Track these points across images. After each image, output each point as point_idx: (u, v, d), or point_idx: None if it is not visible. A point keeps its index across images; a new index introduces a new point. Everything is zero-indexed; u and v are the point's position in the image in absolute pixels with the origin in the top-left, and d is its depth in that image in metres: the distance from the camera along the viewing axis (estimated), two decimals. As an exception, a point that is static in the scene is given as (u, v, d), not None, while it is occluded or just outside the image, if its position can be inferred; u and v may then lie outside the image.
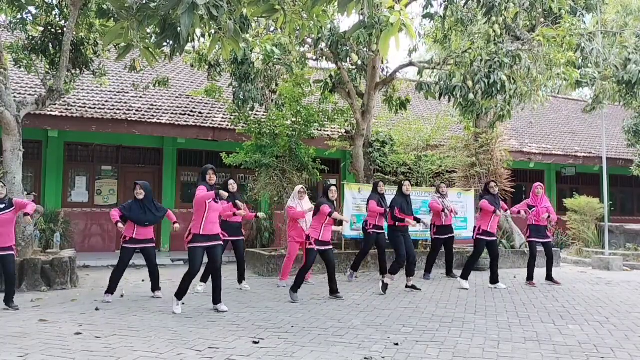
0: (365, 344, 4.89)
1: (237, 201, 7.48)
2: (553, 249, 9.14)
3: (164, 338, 5.02)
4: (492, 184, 8.56)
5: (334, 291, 7.23)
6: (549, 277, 8.78)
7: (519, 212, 8.90)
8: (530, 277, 8.63)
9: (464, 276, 8.26)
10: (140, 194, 7.06)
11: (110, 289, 6.96)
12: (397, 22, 3.84)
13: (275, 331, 5.33)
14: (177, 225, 7.18)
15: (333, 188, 7.39)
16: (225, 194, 6.45)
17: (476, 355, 4.58)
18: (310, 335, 5.17)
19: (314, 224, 7.16)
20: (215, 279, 6.30)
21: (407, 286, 7.96)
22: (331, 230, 7.23)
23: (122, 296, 7.23)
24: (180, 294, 6.21)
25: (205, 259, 6.47)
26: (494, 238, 8.39)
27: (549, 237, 8.82)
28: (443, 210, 9.14)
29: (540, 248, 8.71)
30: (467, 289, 8.00)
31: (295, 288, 6.97)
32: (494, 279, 8.30)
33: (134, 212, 7.05)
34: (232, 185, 7.91)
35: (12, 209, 6.42)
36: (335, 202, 7.34)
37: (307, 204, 8.22)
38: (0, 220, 6.30)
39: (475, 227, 8.57)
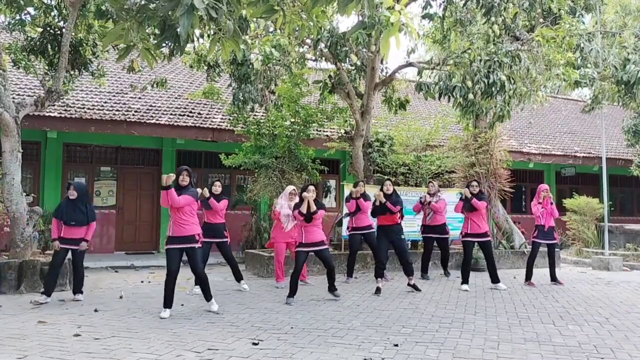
0: (365, 345, 4.88)
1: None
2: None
3: (162, 339, 5.00)
4: (474, 183, 8.40)
5: (331, 289, 7.22)
6: (554, 279, 8.74)
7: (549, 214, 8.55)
8: (528, 277, 8.62)
9: (463, 280, 8.17)
10: (73, 195, 6.90)
11: (46, 290, 6.78)
12: (397, 22, 3.84)
13: (274, 332, 5.32)
14: (84, 243, 6.94)
15: (311, 187, 7.12)
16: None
17: (476, 356, 4.57)
18: (310, 337, 5.16)
19: (296, 227, 7.13)
20: (200, 284, 6.34)
21: (408, 284, 7.94)
22: (317, 230, 7.02)
23: (120, 297, 7.22)
24: (165, 300, 6.02)
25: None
26: (484, 239, 8.22)
27: (554, 239, 8.70)
28: (422, 204, 9.23)
29: (543, 249, 8.72)
30: (467, 291, 7.97)
31: (290, 294, 6.91)
32: (493, 279, 8.25)
33: (62, 210, 6.94)
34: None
35: None
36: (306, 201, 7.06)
37: None
38: None
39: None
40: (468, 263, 8.26)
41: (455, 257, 10.83)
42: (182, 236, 6.05)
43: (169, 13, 3.63)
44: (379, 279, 7.75)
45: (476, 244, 8.42)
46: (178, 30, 3.63)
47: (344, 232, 10.36)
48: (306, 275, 8.52)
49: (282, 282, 8.18)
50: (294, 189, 8.39)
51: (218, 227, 7.75)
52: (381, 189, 7.99)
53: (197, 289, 7.55)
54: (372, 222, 8.87)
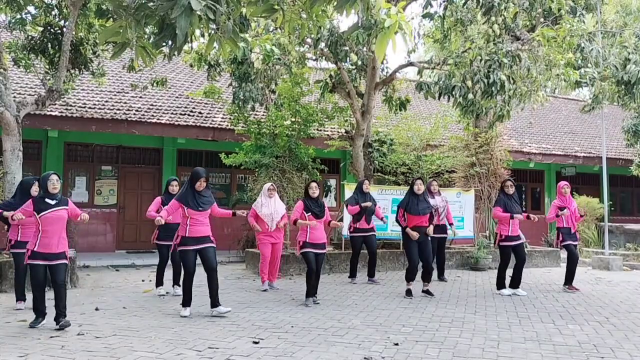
0: (365, 344, 4.89)
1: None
2: (552, 248, 8.99)
3: (163, 338, 5.02)
4: (508, 182, 7.86)
5: (312, 294, 6.80)
6: (569, 283, 8.18)
7: (557, 216, 7.98)
8: (570, 281, 8.09)
9: (513, 285, 7.68)
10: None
11: (18, 297, 6.45)
12: (393, 25, 3.83)
13: (275, 331, 5.33)
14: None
15: (313, 185, 7.01)
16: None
17: (476, 355, 4.58)
18: (310, 335, 5.17)
19: (301, 226, 6.87)
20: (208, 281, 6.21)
21: (422, 291, 7.51)
22: (322, 228, 6.89)
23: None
24: (184, 298, 6.05)
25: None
26: (521, 241, 7.75)
27: (576, 240, 8.23)
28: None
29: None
30: (510, 295, 7.52)
31: (307, 294, 6.75)
32: (514, 283, 7.73)
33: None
34: (173, 187, 7.48)
35: None
36: (318, 199, 7.00)
37: (278, 204, 8.04)
38: None
39: (495, 234, 7.98)
40: (505, 269, 7.76)
41: (455, 256, 10.85)
42: (198, 237, 6.06)
43: (168, 12, 3.62)
44: (410, 282, 7.40)
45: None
46: (177, 29, 3.63)
47: (345, 231, 10.38)
48: (274, 279, 8.24)
49: (265, 283, 8.07)
50: (272, 185, 8.23)
51: (173, 227, 7.25)
52: (411, 188, 7.49)
53: (179, 290, 7.31)
54: (373, 225, 8.86)
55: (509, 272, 7.85)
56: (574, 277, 8.12)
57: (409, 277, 7.44)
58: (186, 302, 6.03)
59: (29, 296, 6.35)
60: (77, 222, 5.81)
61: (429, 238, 7.51)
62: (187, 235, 6.03)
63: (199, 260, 6.07)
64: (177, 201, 6.11)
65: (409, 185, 7.81)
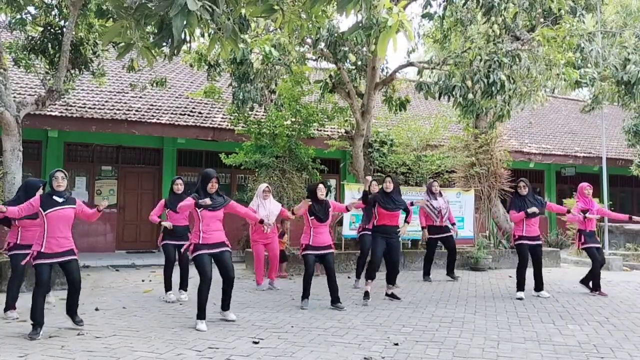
0: (365, 344, 4.89)
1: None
2: (552, 248, 8.96)
3: (163, 338, 5.02)
4: (522, 183, 7.52)
5: (334, 301, 6.54)
6: (597, 287, 7.77)
7: (584, 218, 7.70)
8: (597, 286, 7.68)
9: (519, 288, 7.46)
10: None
11: (8, 304, 5.96)
12: (395, 24, 3.84)
13: (275, 331, 5.33)
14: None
15: (321, 186, 6.73)
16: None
17: (476, 355, 4.58)
18: (310, 335, 5.17)
19: (305, 228, 6.68)
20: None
21: (386, 294, 7.18)
22: (326, 232, 6.69)
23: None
24: (200, 310, 5.50)
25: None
26: (538, 242, 7.48)
27: (599, 242, 7.96)
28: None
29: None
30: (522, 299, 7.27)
31: (303, 297, 6.55)
32: (538, 286, 7.59)
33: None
34: (178, 186, 7.22)
35: None
36: (324, 202, 6.72)
37: (273, 205, 8.00)
38: None
39: (512, 235, 7.80)
40: (523, 269, 7.49)
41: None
42: (212, 243, 5.62)
43: (167, 12, 3.63)
44: (369, 281, 6.93)
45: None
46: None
47: (345, 231, 10.38)
48: (274, 277, 8.19)
49: (261, 285, 8.07)
50: (267, 187, 8.18)
51: (180, 229, 7.12)
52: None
53: (184, 296, 7.15)
54: None
55: (512, 271, 7.82)
56: (599, 281, 7.72)
57: (369, 275, 6.91)
58: (202, 314, 5.49)
59: (19, 303, 6.08)
60: (90, 218, 5.64)
61: (399, 238, 7.30)
62: (200, 242, 5.54)
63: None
64: (193, 199, 5.59)
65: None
